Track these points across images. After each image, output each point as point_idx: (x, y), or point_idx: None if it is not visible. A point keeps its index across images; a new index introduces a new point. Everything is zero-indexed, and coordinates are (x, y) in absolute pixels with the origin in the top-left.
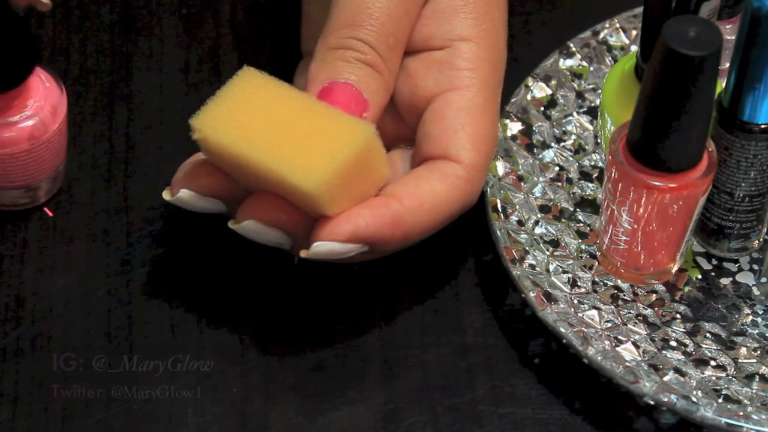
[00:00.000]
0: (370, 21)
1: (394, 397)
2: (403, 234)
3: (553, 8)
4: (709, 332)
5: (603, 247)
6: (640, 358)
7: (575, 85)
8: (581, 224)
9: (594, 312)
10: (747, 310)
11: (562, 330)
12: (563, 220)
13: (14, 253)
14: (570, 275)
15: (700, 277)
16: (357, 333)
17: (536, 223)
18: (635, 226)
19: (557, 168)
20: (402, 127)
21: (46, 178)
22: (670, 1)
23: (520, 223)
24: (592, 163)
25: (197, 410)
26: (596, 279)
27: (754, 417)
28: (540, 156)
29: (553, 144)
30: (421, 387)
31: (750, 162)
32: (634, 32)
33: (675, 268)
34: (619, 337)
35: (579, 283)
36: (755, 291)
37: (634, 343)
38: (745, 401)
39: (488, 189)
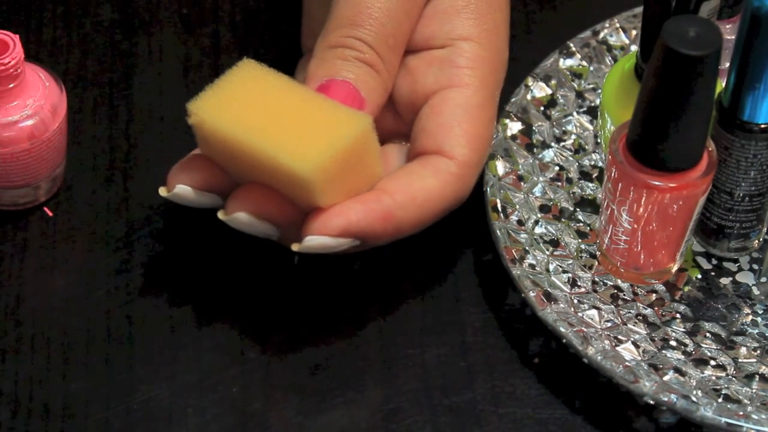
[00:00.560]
0: (370, 21)
1: (394, 397)
2: (395, 229)
3: (553, 8)
4: (709, 332)
5: (603, 246)
6: (640, 358)
7: (575, 85)
8: (581, 224)
9: (594, 312)
10: (747, 310)
11: (562, 330)
12: (563, 219)
13: (14, 252)
14: (570, 275)
15: (700, 276)
16: (357, 333)
17: (536, 222)
18: (635, 226)
19: (557, 168)
20: (400, 124)
21: (46, 177)
22: (670, 1)
23: (520, 222)
24: (592, 162)
25: (197, 410)
26: (596, 279)
27: (754, 417)
28: (540, 156)
29: (553, 144)
30: (421, 387)
31: (750, 162)
32: (634, 32)
33: (675, 268)
34: (619, 336)
35: (579, 283)
36: (755, 291)
37: (634, 343)
38: (745, 401)
39: (488, 189)
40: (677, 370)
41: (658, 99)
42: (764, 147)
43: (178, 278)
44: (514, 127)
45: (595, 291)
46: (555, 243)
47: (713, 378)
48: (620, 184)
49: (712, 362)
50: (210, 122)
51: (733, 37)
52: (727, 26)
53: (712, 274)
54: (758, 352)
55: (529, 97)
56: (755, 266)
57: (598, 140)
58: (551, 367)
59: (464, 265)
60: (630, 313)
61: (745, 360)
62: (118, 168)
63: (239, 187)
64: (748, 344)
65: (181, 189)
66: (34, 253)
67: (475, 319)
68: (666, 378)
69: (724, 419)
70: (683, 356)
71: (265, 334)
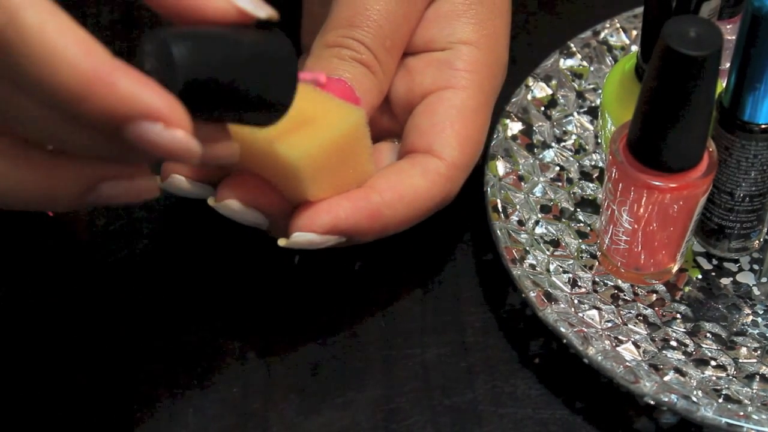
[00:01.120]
0: (368, 23)
1: (394, 397)
2: (381, 227)
3: (553, 8)
4: (710, 332)
5: (603, 247)
6: (640, 358)
7: (575, 85)
8: (581, 224)
9: (594, 312)
10: (747, 310)
11: (563, 330)
12: (563, 220)
13: (15, 252)
14: (570, 275)
15: (700, 277)
16: (357, 333)
17: (536, 223)
18: (635, 226)
19: (557, 168)
20: (394, 124)
21: None
22: (670, 1)
23: (521, 223)
24: (593, 163)
25: (197, 410)
26: (596, 279)
27: (755, 417)
28: (540, 156)
29: (553, 144)
30: (421, 387)
31: (750, 162)
32: (634, 32)
33: (675, 268)
34: (620, 337)
35: (579, 283)
36: (755, 291)
37: (635, 343)
38: (746, 401)
39: (489, 189)
40: (678, 371)
41: (659, 99)
42: (765, 147)
43: (178, 278)
44: (515, 127)
45: (596, 291)
46: (555, 243)
47: (714, 378)
48: (621, 185)
49: (713, 362)
50: None
51: (734, 37)
52: (728, 26)
53: (713, 274)
54: (759, 352)
55: (529, 97)
56: (756, 266)
57: (599, 140)
58: (552, 367)
59: (464, 265)
60: (630, 313)
61: (745, 360)
62: None
63: (231, 175)
64: (749, 344)
65: (175, 178)
66: (35, 252)
67: (476, 319)
68: (666, 378)
69: (724, 419)
70: (684, 356)
71: (265, 334)
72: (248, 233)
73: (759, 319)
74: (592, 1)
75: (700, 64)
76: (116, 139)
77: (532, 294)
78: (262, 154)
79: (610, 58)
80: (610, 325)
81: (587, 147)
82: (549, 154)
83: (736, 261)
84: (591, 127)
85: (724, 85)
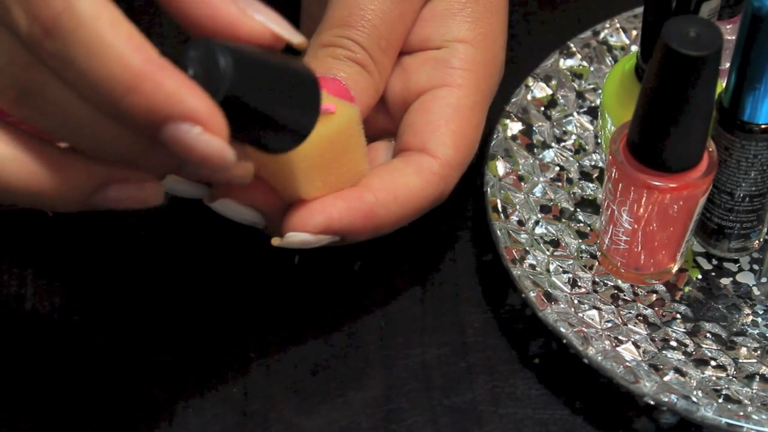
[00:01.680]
0: (363, 23)
1: (394, 397)
2: (375, 227)
3: (553, 8)
4: (710, 332)
5: (603, 247)
6: (640, 358)
7: (575, 85)
8: (581, 224)
9: (594, 312)
10: (747, 310)
11: (563, 330)
12: (563, 220)
13: (14, 253)
14: (570, 275)
15: (700, 277)
16: (357, 333)
17: (536, 223)
18: (635, 226)
19: (557, 168)
20: (390, 123)
21: None
22: (670, 1)
23: (521, 223)
24: (593, 163)
25: (197, 410)
26: (596, 279)
27: (755, 417)
28: (540, 156)
29: (553, 144)
30: (421, 387)
31: (750, 162)
32: (634, 32)
33: (675, 268)
34: (620, 337)
35: (579, 283)
36: (755, 291)
37: (635, 343)
38: (746, 401)
39: (488, 189)
40: (677, 371)
41: (659, 99)
42: (764, 147)
43: (179, 278)
44: (515, 127)
45: (596, 291)
46: (555, 243)
47: (713, 378)
48: (620, 185)
49: (713, 362)
50: None
51: (734, 37)
52: (728, 26)
53: (713, 274)
54: (758, 352)
55: (529, 97)
56: (755, 267)
57: (599, 140)
58: (551, 367)
59: (464, 265)
60: (630, 313)
61: (745, 360)
62: None
63: None
64: (749, 344)
65: (172, 178)
66: (34, 253)
67: (475, 319)
68: (666, 378)
69: (724, 420)
70: (684, 356)
71: (265, 334)
72: (247, 233)
73: (759, 319)
74: (592, 1)
75: (700, 64)
76: (146, 139)
77: (532, 294)
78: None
79: (610, 58)
80: (610, 325)
81: (587, 147)
82: (549, 154)
83: (736, 261)
84: (591, 127)
85: (724, 85)
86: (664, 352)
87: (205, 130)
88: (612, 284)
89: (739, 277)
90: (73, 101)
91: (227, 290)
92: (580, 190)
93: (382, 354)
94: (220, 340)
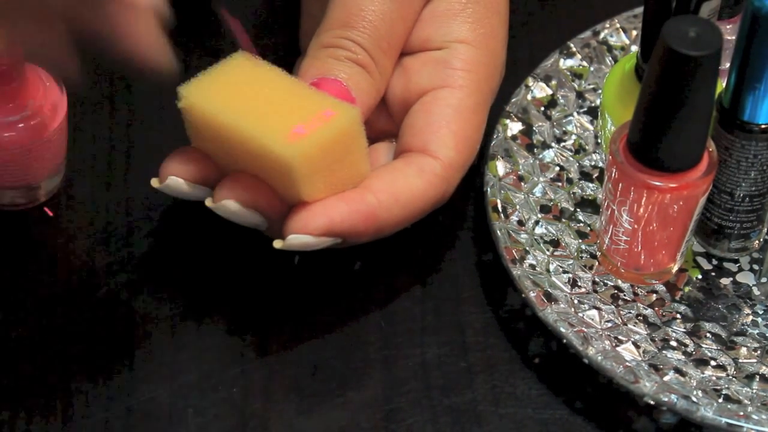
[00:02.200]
0: (363, 23)
1: (394, 397)
2: (377, 228)
3: (553, 8)
4: (710, 332)
5: (603, 247)
6: (640, 358)
7: (575, 85)
8: (581, 224)
9: (594, 312)
10: (747, 310)
11: (562, 330)
12: (563, 220)
13: (14, 253)
14: (570, 275)
15: (700, 277)
16: (357, 333)
17: (536, 223)
18: (635, 226)
19: (557, 168)
20: (391, 125)
21: (45, 178)
22: (670, 1)
23: (521, 223)
24: (593, 163)
25: (197, 410)
26: (596, 279)
27: (754, 417)
28: (540, 156)
29: (553, 144)
30: (421, 387)
31: (750, 162)
32: (634, 32)
33: (675, 268)
34: (620, 337)
35: (579, 283)
36: (755, 291)
37: (635, 343)
38: (746, 401)
39: (488, 189)
40: (677, 371)
41: (659, 99)
42: (764, 147)
43: (178, 278)
44: (515, 127)
45: (596, 291)
46: (555, 243)
47: (713, 378)
48: (620, 185)
49: (713, 362)
50: (198, 106)
51: (734, 37)
52: (728, 26)
53: (713, 274)
54: (758, 352)
55: (529, 97)
56: (755, 267)
57: (599, 140)
58: (551, 367)
59: (464, 265)
60: (630, 313)
61: (745, 360)
62: (118, 168)
63: (228, 175)
64: (749, 344)
65: (173, 180)
66: (34, 253)
67: (475, 319)
68: (666, 378)
69: (724, 419)
70: (683, 356)
71: (265, 334)
72: (247, 233)
73: (759, 319)
74: (592, 1)
75: (699, 64)
76: None
77: (532, 294)
78: (258, 153)
79: (610, 58)
80: (610, 325)
81: (587, 147)
82: (549, 154)
83: (736, 261)
84: (591, 127)
85: (723, 85)
86: (664, 352)
87: None
88: (612, 284)
89: (739, 277)
90: None
91: (227, 290)
92: (580, 190)
93: (382, 354)
94: (220, 340)
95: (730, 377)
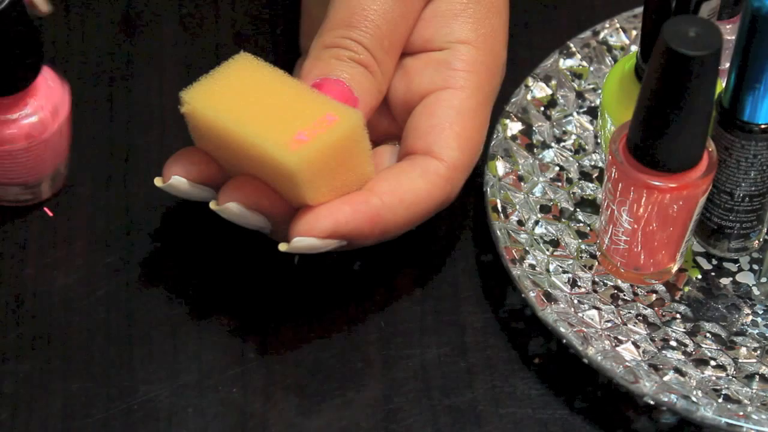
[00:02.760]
0: (366, 23)
1: (394, 397)
2: (382, 230)
3: (553, 8)
4: (709, 332)
5: (603, 247)
6: (640, 358)
7: (575, 85)
8: (581, 224)
9: (594, 312)
10: (747, 310)
11: (562, 330)
12: (563, 220)
13: (14, 253)
14: (570, 275)
15: (700, 277)
16: (357, 333)
17: (536, 223)
18: (635, 226)
19: (557, 168)
20: (394, 126)
21: (47, 176)
22: (670, 1)
23: (520, 223)
24: (592, 163)
25: (197, 410)
26: (596, 279)
27: (754, 417)
28: (540, 156)
29: (553, 144)
30: (421, 387)
31: (750, 162)
32: (634, 32)
33: (675, 268)
34: (619, 337)
35: (579, 283)
36: (755, 291)
37: (634, 343)
38: (745, 401)
39: (488, 189)
40: (677, 371)
41: (659, 99)
42: (764, 147)
43: (178, 278)
44: (515, 127)
45: (595, 291)
46: (555, 243)
47: (713, 378)
48: (620, 185)
49: (712, 362)
50: (201, 111)
51: (733, 37)
52: (727, 26)
53: (713, 274)
54: (758, 352)
55: (529, 97)
56: (755, 266)
57: (599, 140)
58: (551, 367)
59: (464, 265)
60: (630, 313)
61: (745, 360)
62: (118, 168)
63: (232, 178)
64: (748, 344)
65: (176, 180)
66: (34, 253)
67: (475, 319)
68: (666, 378)
69: (724, 419)
70: (683, 356)
71: (265, 334)
72: (247, 234)
73: (759, 319)
74: (592, 1)
75: (699, 64)
76: None
77: (531, 294)
78: (261, 160)
79: (610, 58)
80: (609, 325)
81: (587, 147)
82: (549, 154)
83: (735, 261)
84: (591, 127)
85: (723, 85)
86: (663, 352)
87: None
88: (612, 284)
89: (739, 277)
90: None
91: (227, 290)
92: (580, 190)
93: (382, 354)
94: (220, 340)
95: (730, 377)
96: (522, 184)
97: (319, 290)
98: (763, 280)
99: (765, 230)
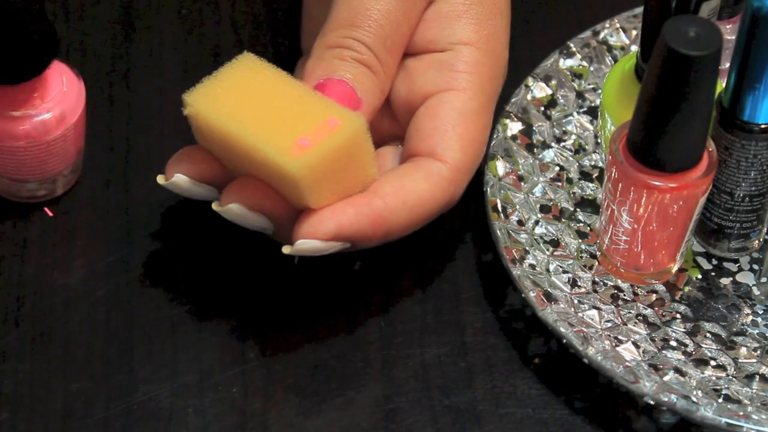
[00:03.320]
0: (368, 23)
1: (394, 397)
2: (385, 232)
3: (553, 8)
4: (709, 332)
5: (603, 247)
6: (640, 358)
7: (575, 85)
8: (581, 224)
9: (594, 312)
10: (747, 310)
11: (562, 330)
12: (563, 220)
13: (14, 253)
14: (570, 275)
15: (700, 277)
16: (357, 333)
17: (536, 223)
18: (635, 226)
19: (557, 168)
20: (396, 127)
21: (63, 171)
22: (670, 1)
23: (520, 223)
24: (592, 163)
25: (197, 410)
26: (596, 279)
27: (754, 417)
28: (540, 156)
29: (553, 144)
30: (421, 387)
31: (750, 162)
32: (634, 32)
33: (675, 268)
34: (619, 337)
35: (579, 283)
36: (755, 291)
37: (634, 343)
38: (745, 401)
39: (488, 189)
40: (677, 371)
41: (659, 99)
42: (764, 147)
43: (179, 278)
44: (515, 127)
45: (596, 291)
46: (555, 243)
47: (713, 378)
48: (620, 185)
49: (713, 362)
50: (204, 114)
51: (733, 37)
52: (727, 26)
53: (713, 274)
54: (758, 352)
55: (529, 97)
56: (755, 266)
57: (599, 140)
58: (551, 367)
59: (464, 265)
60: (630, 313)
61: (745, 360)
62: (118, 168)
63: (235, 179)
64: (749, 344)
65: (179, 178)
66: (35, 253)
67: (475, 319)
68: (666, 378)
69: (724, 419)
70: (683, 356)
71: (265, 334)
72: (247, 233)
73: (759, 319)
74: (592, 1)
75: (699, 64)
76: None
77: (532, 294)
78: (261, 162)
79: (610, 58)
80: (609, 325)
81: (587, 147)
82: (549, 154)
83: (735, 261)
84: (591, 127)
85: (723, 85)
86: (663, 352)
87: None
88: (612, 284)
89: (739, 277)
90: None
91: (228, 290)
92: (580, 190)
93: (382, 354)
94: (220, 340)
95: (730, 377)
96: (522, 184)
97: (319, 290)
98: (763, 280)
99: (765, 230)
